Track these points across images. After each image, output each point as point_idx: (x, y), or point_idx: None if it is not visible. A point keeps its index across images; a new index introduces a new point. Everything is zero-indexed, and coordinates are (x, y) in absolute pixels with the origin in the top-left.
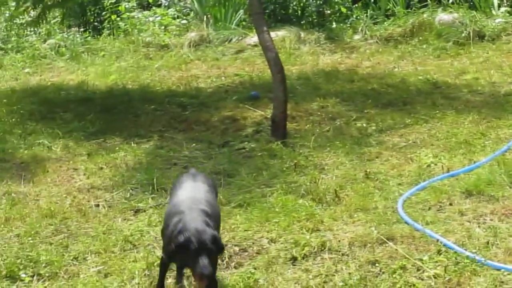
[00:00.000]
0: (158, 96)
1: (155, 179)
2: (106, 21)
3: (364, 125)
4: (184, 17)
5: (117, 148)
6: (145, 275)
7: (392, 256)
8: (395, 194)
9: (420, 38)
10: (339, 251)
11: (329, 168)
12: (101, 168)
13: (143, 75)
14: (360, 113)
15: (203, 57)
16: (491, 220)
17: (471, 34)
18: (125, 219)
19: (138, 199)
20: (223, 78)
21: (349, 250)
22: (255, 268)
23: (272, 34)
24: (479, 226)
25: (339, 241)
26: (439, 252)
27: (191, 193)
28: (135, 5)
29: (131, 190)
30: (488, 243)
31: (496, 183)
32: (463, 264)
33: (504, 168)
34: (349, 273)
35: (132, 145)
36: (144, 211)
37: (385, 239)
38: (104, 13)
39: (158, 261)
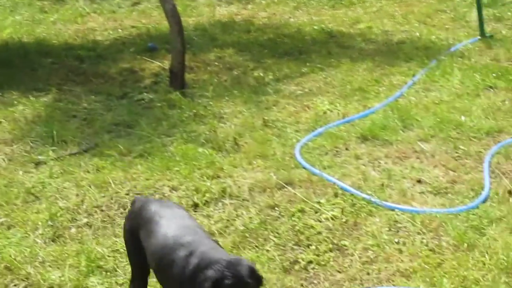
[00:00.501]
0: (54, 49)
1: (55, 132)
2: None
3: (261, 74)
4: None
5: (15, 102)
6: (48, 225)
7: (291, 200)
8: (293, 141)
9: None
10: (240, 197)
11: (228, 116)
12: (0, 122)
13: (38, 29)
14: (257, 63)
15: (99, 9)
16: (386, 163)
17: None
18: (26, 172)
19: (39, 152)
20: (120, 30)
21: (249, 195)
22: None
23: None
24: (374, 169)
25: (239, 187)
26: (336, 195)
27: (179, 221)
28: None
29: (31, 143)
30: (382, 185)
31: (390, 127)
32: (359, 206)
33: (398, 113)
34: (250, 218)
35: (31, 98)
36: (45, 163)
37: (284, 184)
38: None
39: (61, 212)
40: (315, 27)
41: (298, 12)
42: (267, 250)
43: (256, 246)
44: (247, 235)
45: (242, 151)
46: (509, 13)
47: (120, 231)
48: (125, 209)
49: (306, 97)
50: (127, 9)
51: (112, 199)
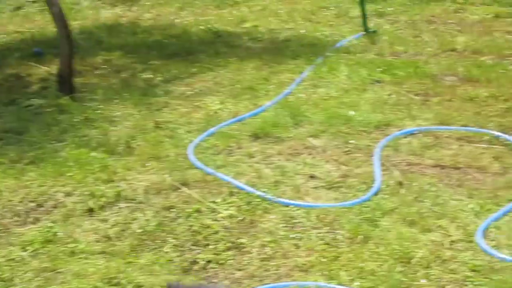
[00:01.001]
0: None
1: None
2: None
3: (150, 76)
4: None
5: None
6: None
7: (186, 200)
8: (186, 141)
9: None
10: (135, 200)
11: (119, 119)
12: None
13: None
14: (145, 65)
15: None
16: (278, 160)
17: None
18: None
19: None
20: (3, 36)
21: (144, 197)
22: (53, 222)
23: None
24: (267, 167)
25: (134, 190)
26: (231, 194)
27: None
28: None
29: None
30: (276, 182)
31: (281, 125)
32: (255, 203)
33: (288, 110)
34: (147, 220)
35: None
36: None
37: (179, 185)
38: None
39: None
40: (201, 27)
41: (183, 13)
42: (166, 252)
43: (154, 248)
44: (144, 237)
45: (135, 153)
46: (391, 9)
47: (15, 239)
48: (19, 217)
49: (196, 98)
50: (9, 14)
51: (5, 207)
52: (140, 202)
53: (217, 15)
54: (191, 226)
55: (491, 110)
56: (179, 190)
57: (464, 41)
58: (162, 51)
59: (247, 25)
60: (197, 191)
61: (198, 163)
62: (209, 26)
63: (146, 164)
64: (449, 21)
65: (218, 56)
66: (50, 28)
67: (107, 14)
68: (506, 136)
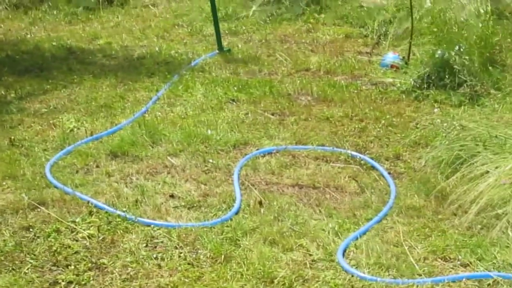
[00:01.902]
0: None
1: None
2: None
3: (3, 92)
4: None
5: None
6: None
7: (45, 220)
8: (42, 160)
9: (50, 4)
10: None
11: None
12: None
13: None
14: None
15: None
16: (137, 179)
17: None
18: None
19: None
20: None
21: (1, 217)
22: None
23: None
24: (126, 186)
25: None
26: (91, 213)
27: None
28: None
29: None
30: (136, 201)
31: (139, 143)
32: (115, 223)
33: (145, 128)
34: (4, 240)
35: None
36: None
37: (36, 204)
38: None
39: None
40: (54, 43)
41: (34, 28)
42: (25, 273)
43: (13, 269)
44: (2, 258)
45: None
46: (244, 27)
47: None
48: None
49: (51, 115)
50: None
51: None
52: None
53: (69, 31)
54: (50, 246)
55: (346, 129)
56: (37, 209)
57: (317, 61)
58: (14, 67)
59: (101, 41)
60: (56, 210)
61: (56, 182)
62: (61, 42)
63: (2, 183)
64: (302, 40)
65: (72, 73)
66: None
67: None
68: (362, 156)
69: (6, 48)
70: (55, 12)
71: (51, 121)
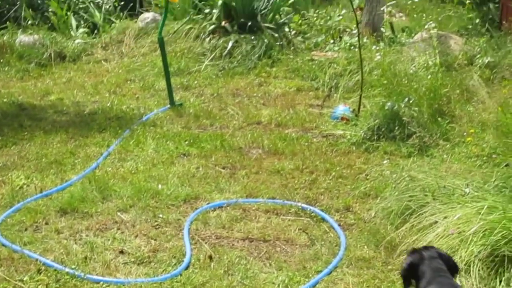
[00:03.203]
0: None
1: None
2: None
3: None
4: None
5: None
6: None
7: None
8: None
9: (2, 60)
10: None
11: None
12: None
13: None
14: None
15: None
16: (87, 235)
17: (53, 55)
18: None
19: None
20: None
21: None
22: None
23: None
24: (76, 243)
25: None
26: (39, 271)
27: None
28: None
29: None
30: (86, 258)
31: (89, 199)
32: (64, 281)
33: (95, 184)
34: None
35: None
36: None
37: None
38: None
39: None
40: (5, 99)
41: None
42: None
43: None
44: None
45: None
46: (196, 82)
47: None
48: None
49: (0, 172)
50: None
51: None
52: None
53: (21, 87)
54: None
55: (297, 182)
56: None
57: (268, 114)
58: None
59: (52, 97)
60: (3, 269)
61: (4, 240)
62: (12, 98)
63: None
64: (254, 94)
65: (23, 130)
66: None
67: None
68: (312, 208)
69: None
70: (6, 69)
71: (0, 179)
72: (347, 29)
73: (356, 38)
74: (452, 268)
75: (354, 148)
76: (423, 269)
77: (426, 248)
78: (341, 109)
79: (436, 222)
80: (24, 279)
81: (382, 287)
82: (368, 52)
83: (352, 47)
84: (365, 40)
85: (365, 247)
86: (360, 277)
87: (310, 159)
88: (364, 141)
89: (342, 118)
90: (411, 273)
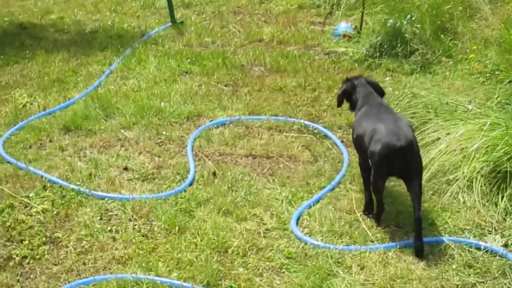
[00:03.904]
0: None
1: None
2: None
3: None
4: None
5: None
6: None
7: None
8: None
9: None
10: None
11: None
12: None
13: None
14: None
15: None
16: (91, 153)
17: None
18: None
19: None
20: None
21: None
22: None
23: None
24: (80, 160)
25: None
26: (44, 188)
27: None
28: None
29: None
30: (90, 174)
31: (92, 117)
32: (69, 197)
33: (98, 102)
34: None
35: None
36: None
37: None
38: None
39: None
40: (5, 18)
41: None
42: None
43: None
44: None
45: None
46: None
47: None
48: None
49: (3, 91)
50: None
51: None
52: None
53: (21, 6)
54: (4, 222)
55: (299, 99)
56: None
57: (270, 31)
58: None
59: (53, 16)
60: (9, 186)
61: (9, 158)
62: (13, 17)
63: None
64: (255, 12)
65: (24, 49)
66: None
67: None
68: (314, 125)
69: None
70: None
71: (3, 97)
72: None
73: None
74: (380, 92)
75: (356, 66)
76: (356, 94)
77: (355, 77)
78: (343, 26)
79: (439, 138)
80: (30, 195)
81: (385, 203)
82: None
83: None
84: None
85: None
86: (363, 193)
87: (313, 76)
88: (367, 58)
89: (344, 36)
90: (344, 98)
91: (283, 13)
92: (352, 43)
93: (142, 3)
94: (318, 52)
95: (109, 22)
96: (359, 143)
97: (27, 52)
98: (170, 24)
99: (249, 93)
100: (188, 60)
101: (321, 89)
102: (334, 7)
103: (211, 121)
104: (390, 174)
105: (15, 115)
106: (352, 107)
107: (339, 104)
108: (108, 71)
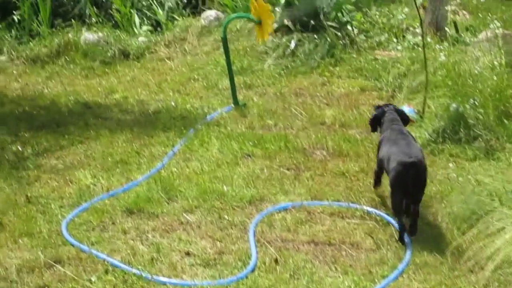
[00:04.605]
0: None
1: None
2: None
3: (20, 148)
4: None
5: None
6: None
7: (61, 279)
8: (59, 217)
9: (67, 58)
10: (7, 279)
11: None
12: None
13: None
14: (14, 137)
15: None
16: (153, 236)
17: (117, 53)
18: None
19: None
20: None
21: (17, 276)
22: None
23: None
24: (142, 243)
25: (6, 268)
26: (107, 272)
27: None
28: None
29: None
30: (152, 259)
31: (154, 199)
32: (131, 282)
33: (161, 184)
34: None
35: None
36: None
37: (52, 263)
38: None
39: None
40: (70, 97)
41: (51, 83)
42: None
43: None
44: None
45: (6, 230)
46: (259, 80)
47: None
48: None
49: (68, 171)
50: None
51: None
52: (13, 282)
53: (86, 85)
54: None
55: (362, 185)
56: (53, 268)
57: (332, 114)
58: (31, 123)
59: (117, 96)
60: (72, 269)
61: (72, 240)
62: (78, 97)
63: (18, 241)
64: (317, 94)
65: (88, 128)
66: None
67: None
68: (377, 211)
69: (23, 103)
70: (71, 67)
71: (67, 177)
72: (410, 28)
73: (420, 37)
74: (404, 119)
75: None
76: (383, 119)
77: (386, 104)
78: (405, 110)
79: (504, 228)
80: (92, 279)
81: None
82: (432, 52)
83: (415, 46)
84: (428, 39)
85: (431, 252)
86: (426, 283)
87: (375, 161)
88: (429, 143)
89: None
90: (376, 122)
91: (345, 96)
92: (415, 127)
93: (205, 84)
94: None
95: (172, 103)
96: (381, 163)
97: (91, 131)
98: (232, 105)
99: (311, 178)
100: (251, 143)
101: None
102: (396, 90)
103: (273, 205)
104: (405, 192)
105: (78, 196)
106: (380, 130)
107: (373, 129)
108: (171, 153)
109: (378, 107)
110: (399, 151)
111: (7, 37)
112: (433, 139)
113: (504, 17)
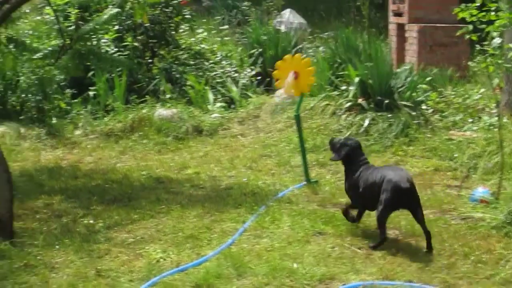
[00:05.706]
0: None
1: None
2: None
3: (91, 221)
4: None
5: None
6: None
7: None
8: None
9: (141, 133)
10: None
11: (59, 266)
12: None
13: None
14: (86, 210)
15: None
16: None
17: (190, 129)
18: None
19: None
20: None
21: None
22: None
23: None
24: None
25: None
26: None
27: None
28: None
29: None
30: None
31: (224, 276)
32: None
33: (231, 260)
34: None
35: None
36: None
37: None
38: None
39: None
40: (143, 172)
41: (124, 157)
42: None
43: None
44: None
45: None
46: None
47: None
48: None
49: (138, 245)
50: None
51: None
52: None
53: (159, 160)
54: None
55: (435, 265)
56: None
57: None
58: (103, 196)
59: (189, 171)
60: None
61: None
62: (150, 171)
63: None
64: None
65: (160, 203)
66: None
67: (48, 156)
68: None
69: (96, 177)
70: (145, 141)
71: (137, 251)
72: (486, 108)
73: (496, 118)
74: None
75: (494, 232)
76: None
77: (350, 139)
78: (480, 191)
79: None
80: None
81: None
82: (508, 133)
83: (491, 127)
84: (505, 120)
85: None
86: None
87: (448, 242)
88: (505, 225)
89: (481, 201)
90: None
91: (418, 175)
92: (490, 208)
93: (277, 161)
94: (454, 216)
95: (244, 179)
96: (364, 193)
97: (163, 206)
98: (304, 182)
99: (383, 257)
100: (322, 221)
101: (457, 255)
102: (471, 170)
103: (344, 285)
104: (397, 208)
105: (148, 271)
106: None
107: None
108: (242, 229)
109: (345, 145)
110: (394, 174)
111: (82, 112)
112: (508, 221)
113: None
